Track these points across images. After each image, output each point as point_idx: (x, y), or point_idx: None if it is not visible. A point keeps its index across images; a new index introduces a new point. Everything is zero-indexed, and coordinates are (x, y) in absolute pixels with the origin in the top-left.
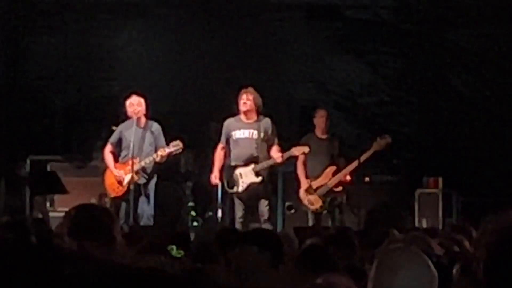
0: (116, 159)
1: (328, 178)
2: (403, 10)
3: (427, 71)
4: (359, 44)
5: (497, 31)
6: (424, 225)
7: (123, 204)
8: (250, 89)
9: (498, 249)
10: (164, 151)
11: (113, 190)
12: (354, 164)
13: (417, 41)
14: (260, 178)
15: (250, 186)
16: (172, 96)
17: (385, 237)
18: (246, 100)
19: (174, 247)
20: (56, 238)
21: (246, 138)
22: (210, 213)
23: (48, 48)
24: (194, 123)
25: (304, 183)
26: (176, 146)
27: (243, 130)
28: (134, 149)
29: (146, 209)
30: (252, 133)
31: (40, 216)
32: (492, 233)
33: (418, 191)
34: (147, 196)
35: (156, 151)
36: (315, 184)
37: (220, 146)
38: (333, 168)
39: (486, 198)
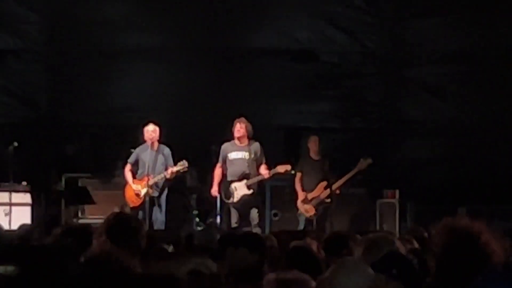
0: (134, 176)
1: (320, 191)
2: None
3: (386, 103)
4: (333, 81)
5: (456, 68)
6: (385, 229)
7: (140, 213)
8: (243, 119)
9: (447, 246)
10: (173, 169)
11: (132, 201)
12: (343, 180)
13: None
14: (251, 191)
15: (243, 197)
16: (179, 124)
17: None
18: (240, 128)
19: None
20: (95, 237)
21: (239, 159)
22: (211, 219)
23: (80, 88)
24: (198, 146)
25: (301, 195)
26: (182, 165)
27: (237, 152)
28: (149, 168)
29: (158, 217)
30: (244, 155)
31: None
32: (442, 234)
33: (379, 201)
34: (160, 206)
35: (166, 169)
36: (310, 196)
37: (218, 165)
38: (324, 183)
39: (434, 206)
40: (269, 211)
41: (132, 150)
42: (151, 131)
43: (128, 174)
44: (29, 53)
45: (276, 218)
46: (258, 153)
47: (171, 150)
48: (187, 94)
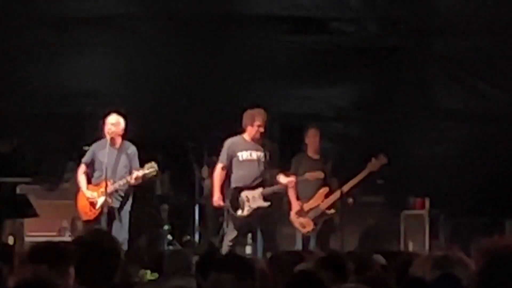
0: (89, 181)
1: (320, 200)
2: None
3: (414, 86)
4: (344, 58)
5: (484, 42)
6: (410, 248)
7: None
8: (263, 111)
9: (488, 275)
10: (139, 173)
11: (86, 213)
12: (349, 185)
13: (404, 54)
14: (268, 203)
15: (257, 210)
16: (148, 115)
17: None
18: (262, 124)
19: (148, 271)
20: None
21: (253, 160)
22: (188, 237)
23: (18, 68)
24: (169, 143)
25: (295, 206)
26: (151, 168)
27: (251, 152)
28: (108, 170)
29: (120, 234)
30: (260, 155)
31: (10, 240)
32: (481, 258)
33: (404, 213)
34: (121, 220)
35: (131, 173)
36: (306, 206)
37: (220, 165)
38: (325, 190)
39: (474, 219)
40: None
41: (87, 147)
42: (112, 123)
43: (81, 178)
44: None
45: None
46: (274, 155)
47: (137, 148)
48: (159, 76)
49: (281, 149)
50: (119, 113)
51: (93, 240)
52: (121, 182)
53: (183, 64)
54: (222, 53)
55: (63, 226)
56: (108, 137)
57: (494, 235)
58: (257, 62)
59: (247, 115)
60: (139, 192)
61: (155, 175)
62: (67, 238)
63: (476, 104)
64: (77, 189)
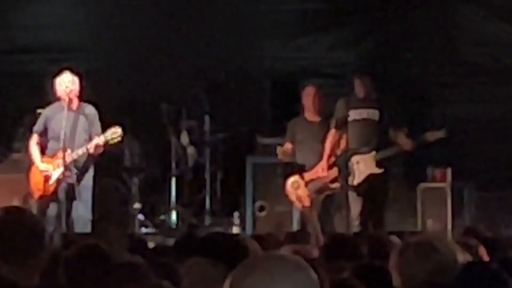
0: (43, 152)
1: (322, 169)
2: None
3: (434, 33)
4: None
5: None
6: (430, 227)
7: (53, 206)
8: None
9: None
10: (100, 140)
11: (39, 189)
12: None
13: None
14: (382, 170)
15: (369, 178)
16: (112, 70)
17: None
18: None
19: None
20: None
21: (365, 120)
22: (162, 217)
23: None
24: (140, 105)
25: (292, 176)
26: (114, 133)
27: (361, 110)
28: (66, 138)
29: (81, 213)
30: (372, 113)
31: None
32: None
33: (422, 186)
34: (82, 197)
35: (91, 139)
36: (306, 177)
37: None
38: (331, 159)
39: (505, 193)
40: (252, 203)
41: (40, 111)
42: (67, 82)
43: (33, 149)
44: None
45: (263, 214)
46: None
47: (98, 110)
48: (125, 24)
49: (274, 112)
50: (73, 71)
51: (12, 219)
52: (80, 151)
53: (158, 16)
54: (203, 7)
55: (15, 204)
56: (65, 99)
57: None
58: (242, 13)
59: None
60: (104, 163)
61: (120, 141)
62: None
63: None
64: (29, 161)
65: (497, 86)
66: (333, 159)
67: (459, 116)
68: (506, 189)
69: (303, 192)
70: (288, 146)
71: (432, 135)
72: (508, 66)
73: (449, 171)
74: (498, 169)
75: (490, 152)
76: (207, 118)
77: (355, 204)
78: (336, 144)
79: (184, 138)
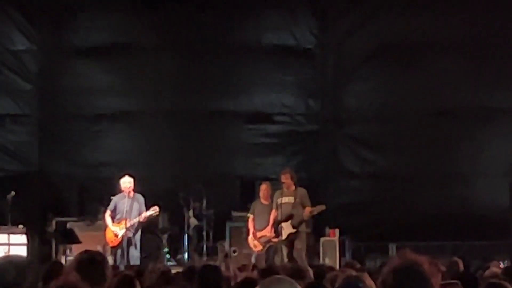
0: (113, 220)
1: (268, 231)
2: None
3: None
4: (281, 139)
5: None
6: (327, 262)
7: (119, 251)
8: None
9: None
10: (146, 214)
11: (112, 241)
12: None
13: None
14: (295, 230)
15: (289, 235)
16: (152, 176)
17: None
18: (285, 180)
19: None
20: (65, 272)
21: (286, 203)
22: (179, 256)
23: (68, 146)
24: (167, 194)
25: (252, 233)
26: (154, 210)
27: (284, 197)
28: (126, 213)
29: (134, 254)
30: (289, 199)
31: (62, 260)
32: (386, 271)
33: (322, 239)
34: (135, 245)
35: (140, 214)
36: (259, 234)
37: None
38: (272, 225)
39: (368, 243)
40: (229, 248)
41: (112, 198)
42: (127, 182)
43: (108, 219)
44: (24, 117)
45: (235, 254)
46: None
47: (144, 197)
48: (158, 151)
49: (242, 198)
50: (130, 175)
51: (96, 258)
52: (134, 220)
53: (174, 144)
54: (199, 138)
55: (98, 250)
56: (125, 191)
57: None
58: (226, 141)
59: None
60: (147, 227)
61: (157, 215)
62: None
63: (366, 168)
64: (105, 225)
65: None
66: (273, 225)
67: (343, 201)
68: (368, 241)
69: (257, 243)
70: (251, 217)
71: (316, 210)
72: None
73: (337, 230)
74: (363, 230)
75: (359, 221)
76: (204, 201)
77: (284, 249)
78: (275, 217)
79: (191, 213)
